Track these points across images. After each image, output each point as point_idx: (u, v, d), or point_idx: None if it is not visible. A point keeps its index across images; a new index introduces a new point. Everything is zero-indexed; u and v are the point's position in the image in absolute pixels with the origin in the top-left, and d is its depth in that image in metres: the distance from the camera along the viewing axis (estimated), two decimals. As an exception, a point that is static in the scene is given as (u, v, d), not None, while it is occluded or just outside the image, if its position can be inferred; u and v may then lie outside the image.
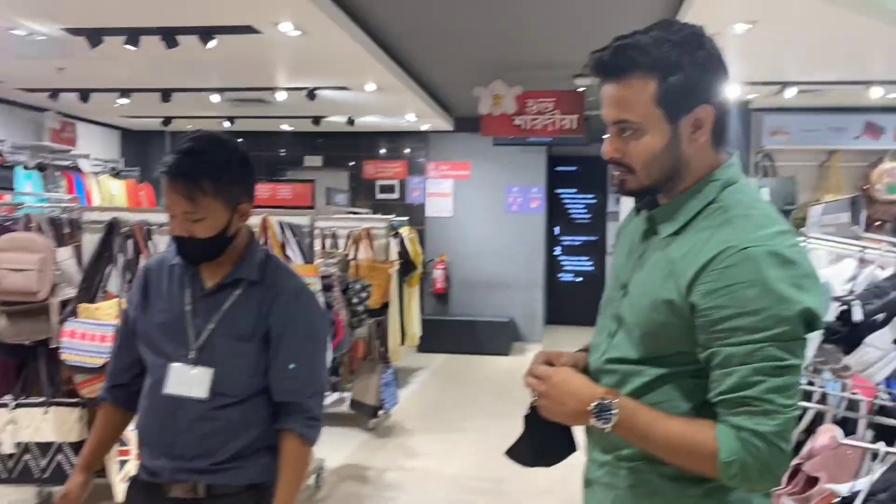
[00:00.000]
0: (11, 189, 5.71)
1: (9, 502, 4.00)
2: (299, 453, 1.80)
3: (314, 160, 10.60)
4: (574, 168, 11.27)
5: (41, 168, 7.59)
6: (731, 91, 6.83)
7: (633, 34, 1.29)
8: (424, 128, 9.85)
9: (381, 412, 5.64)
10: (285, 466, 1.77)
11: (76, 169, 8.34)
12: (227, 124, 9.55)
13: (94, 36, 4.91)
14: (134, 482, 1.89)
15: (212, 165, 1.73)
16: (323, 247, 5.64)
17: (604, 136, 1.36)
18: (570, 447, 1.39)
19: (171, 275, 1.84)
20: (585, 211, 11.44)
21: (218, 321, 1.78)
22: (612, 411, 1.25)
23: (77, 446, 3.77)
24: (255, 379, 1.78)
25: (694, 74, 1.26)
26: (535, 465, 1.43)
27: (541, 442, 1.38)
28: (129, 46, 4.97)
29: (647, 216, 1.39)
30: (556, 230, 11.42)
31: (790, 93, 6.61)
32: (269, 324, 1.78)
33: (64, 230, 4.15)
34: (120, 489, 3.69)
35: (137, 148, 10.94)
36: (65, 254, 3.92)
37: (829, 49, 5.45)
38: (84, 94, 7.22)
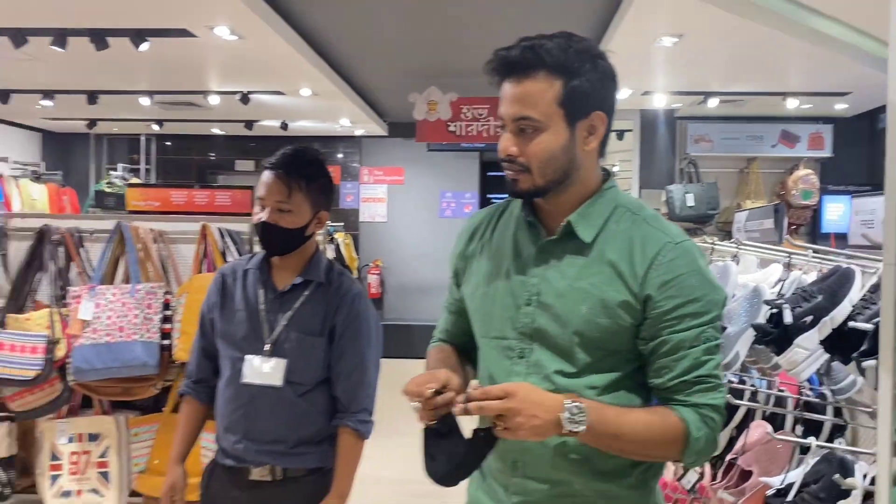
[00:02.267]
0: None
1: (-71, 523, 3.81)
2: (354, 446, 2.03)
3: (246, 164, 10.46)
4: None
5: (-45, 172, 7.26)
6: (658, 100, 7.10)
7: (538, 37, 1.34)
8: (358, 133, 9.86)
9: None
10: (342, 457, 2.01)
11: (-8, 172, 7.99)
12: (155, 127, 9.34)
13: (18, 36, 4.74)
14: (214, 467, 2.06)
15: (310, 170, 2.00)
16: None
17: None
18: (489, 450, 1.30)
19: (244, 279, 2.07)
20: (518, 216, 11.60)
21: (290, 318, 2.00)
22: (584, 413, 1.24)
23: (6, 462, 3.65)
24: (321, 370, 2.02)
25: (594, 82, 1.33)
26: (458, 481, 1.35)
27: (459, 456, 1.29)
28: (55, 48, 4.81)
29: (536, 223, 1.41)
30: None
31: (713, 103, 6.91)
32: (333, 322, 2.01)
33: (-11, 237, 3.99)
34: (52, 503, 3.58)
35: (60, 151, 10.58)
36: (-9, 262, 3.78)
37: (749, 62, 5.73)
38: (4, 95, 6.95)
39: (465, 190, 10.12)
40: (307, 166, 2.00)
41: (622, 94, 6.46)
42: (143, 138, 10.35)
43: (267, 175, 1.97)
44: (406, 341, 9.18)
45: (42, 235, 3.70)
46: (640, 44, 5.02)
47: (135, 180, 9.09)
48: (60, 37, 4.75)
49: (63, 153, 10.60)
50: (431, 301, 9.95)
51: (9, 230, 4.01)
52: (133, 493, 3.70)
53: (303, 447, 2.01)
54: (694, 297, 1.30)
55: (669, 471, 2.65)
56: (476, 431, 1.27)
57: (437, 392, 1.27)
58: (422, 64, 6.65)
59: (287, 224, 1.96)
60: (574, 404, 1.25)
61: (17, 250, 3.90)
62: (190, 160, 10.61)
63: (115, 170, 9.10)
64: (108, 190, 8.40)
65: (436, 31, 5.60)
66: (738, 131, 7.77)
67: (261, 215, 1.97)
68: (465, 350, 1.59)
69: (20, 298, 3.68)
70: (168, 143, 10.61)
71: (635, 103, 7.24)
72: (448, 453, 1.29)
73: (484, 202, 10.92)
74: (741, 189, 7.89)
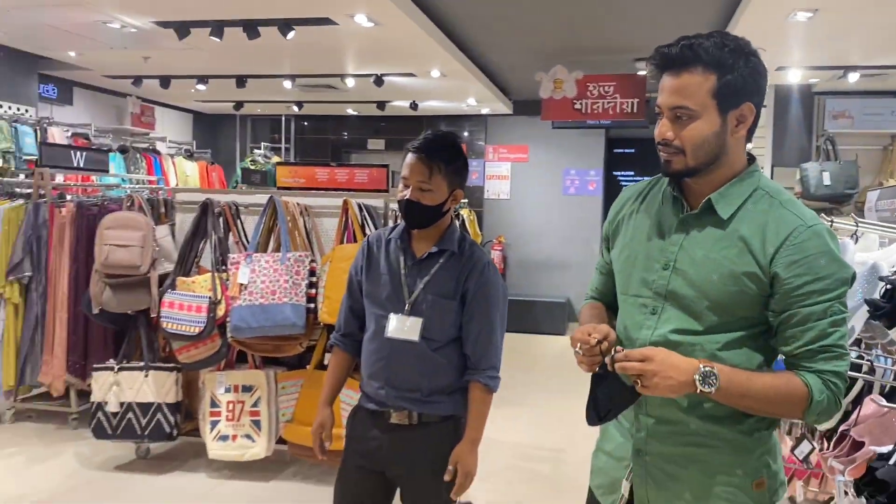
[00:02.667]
0: (106, 171, 6.10)
1: (111, 457, 4.39)
2: (484, 399, 2.23)
3: (377, 143, 10.91)
4: (632, 150, 11.34)
5: (123, 150, 8.02)
6: (793, 75, 6.84)
7: (695, 36, 1.50)
8: (484, 111, 10.04)
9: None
10: (473, 408, 2.22)
11: (154, 151, 8.78)
12: (295, 108, 9.90)
13: (182, 28, 5.25)
14: (358, 410, 2.33)
15: (449, 154, 2.20)
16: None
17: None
18: (633, 399, 1.54)
19: (387, 247, 2.31)
20: (643, 193, 11.45)
21: (426, 282, 2.22)
22: (715, 377, 1.42)
23: (173, 407, 4.14)
24: (453, 329, 2.22)
25: (745, 77, 1.49)
26: (605, 421, 1.60)
27: (610, 400, 1.54)
28: (213, 38, 5.29)
29: (682, 199, 1.58)
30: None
31: (853, 77, 6.59)
32: (465, 287, 2.21)
33: (160, 210, 4.51)
34: (212, 446, 4.04)
35: (209, 131, 11.40)
36: (162, 231, 4.28)
37: (892, 34, 5.46)
38: (165, 81, 7.63)
39: (589, 167, 10.11)
40: (447, 150, 2.20)
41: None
42: (283, 119, 11.01)
43: (410, 157, 2.18)
44: (528, 317, 9.30)
45: (205, 208, 4.15)
46: (773, 19, 4.90)
47: (276, 158, 9.70)
48: (218, 28, 5.22)
49: (212, 133, 11.43)
50: (553, 277, 10.06)
51: (176, 203, 4.53)
52: (279, 441, 4.13)
53: (436, 396, 2.22)
54: (822, 275, 1.44)
55: (785, 446, 2.73)
56: (618, 380, 1.50)
57: (598, 343, 1.50)
58: (548, 43, 6.74)
59: (427, 201, 2.18)
60: (707, 369, 1.42)
61: (183, 221, 4.41)
62: (325, 139, 11.18)
63: (258, 148, 9.77)
64: (252, 167, 9.04)
65: (562, 11, 5.68)
66: (882, 106, 7.35)
67: (404, 193, 2.19)
68: (611, 307, 1.80)
69: (187, 264, 4.16)
70: (305, 123, 11.22)
71: (769, 79, 7.02)
72: (606, 396, 1.54)
73: (609, 180, 10.87)
74: (884, 167, 7.48)
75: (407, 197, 2.18)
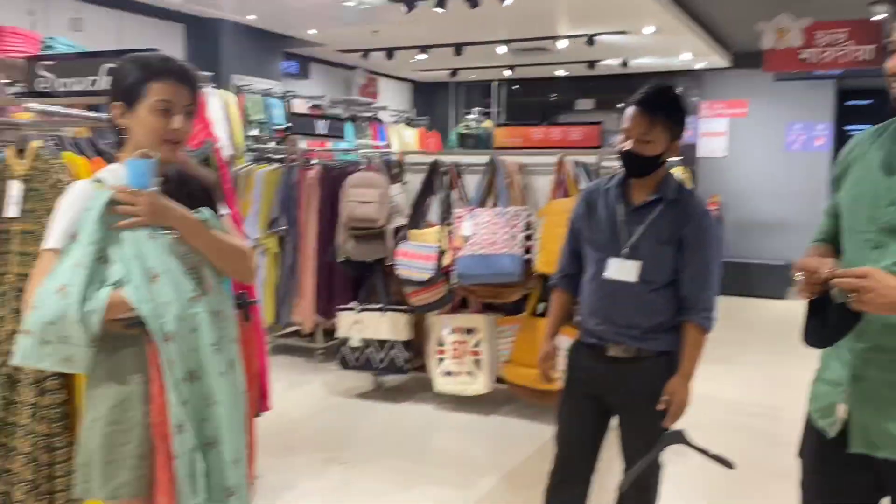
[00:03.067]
0: (343, 137, 6.81)
1: (352, 386, 5.02)
2: (698, 338, 2.36)
3: (585, 103, 10.96)
4: (869, 101, 10.38)
5: (353, 119, 8.81)
6: None
7: None
8: (699, 66, 9.72)
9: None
10: (688, 346, 2.35)
11: (377, 119, 9.52)
12: (507, 72, 10.21)
13: (410, 2, 5.70)
14: (577, 345, 2.53)
15: (670, 106, 2.33)
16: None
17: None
18: (853, 323, 1.60)
19: (606, 196, 2.46)
20: (880, 148, 10.49)
21: (645, 228, 2.35)
22: None
23: (406, 344, 4.65)
24: (669, 273, 2.36)
25: None
26: (826, 345, 1.70)
27: (831, 326, 1.62)
28: (437, 9, 5.69)
29: None
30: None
31: None
32: (682, 234, 2.34)
33: (392, 171, 5.01)
34: (438, 380, 4.51)
35: (425, 99, 12.07)
36: (396, 189, 4.78)
37: None
38: (390, 53, 8.25)
39: (816, 121, 9.46)
40: (668, 103, 2.31)
41: None
42: (494, 84, 11.39)
43: (632, 110, 2.29)
44: (745, 280, 8.97)
45: (434, 168, 4.57)
46: None
47: (487, 123, 10.13)
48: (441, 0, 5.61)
49: (428, 100, 12.09)
50: (773, 239, 9.57)
51: (405, 164, 5.01)
52: (498, 381, 4.49)
53: (652, 333, 2.35)
54: None
55: None
56: (841, 306, 1.58)
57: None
58: (771, -10, 6.44)
59: (647, 152, 2.30)
60: None
61: (411, 181, 4.88)
62: (534, 101, 11.42)
63: (470, 114, 10.23)
64: (465, 132, 9.52)
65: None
66: None
67: (625, 144, 2.31)
68: (838, 249, 1.83)
69: (417, 218, 4.63)
70: (515, 87, 11.52)
71: None
72: (825, 321, 1.63)
73: (840, 134, 10.08)
74: None
75: (627, 148, 2.32)
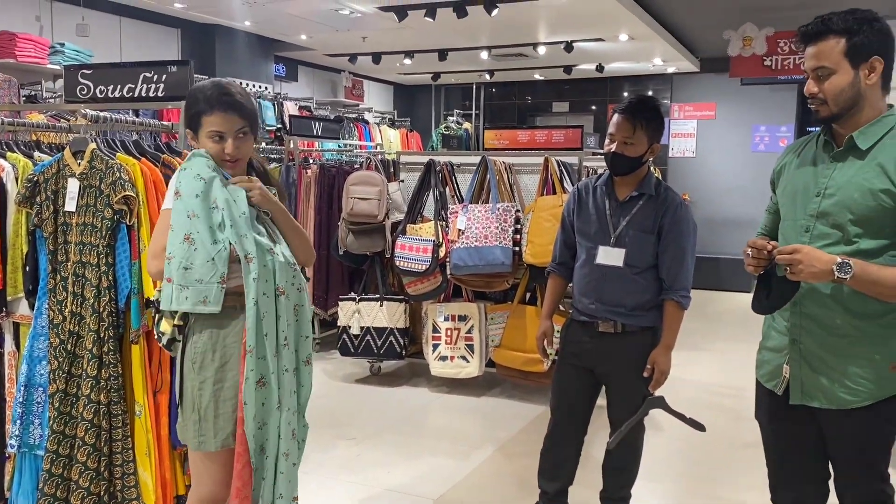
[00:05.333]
0: (337, 138, 7.12)
1: (350, 373, 5.35)
2: (676, 314, 2.73)
3: (562, 106, 11.36)
4: (828, 105, 10.88)
5: (339, 120, 9.11)
6: None
7: (828, 14, 1.95)
8: (670, 70, 10.17)
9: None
10: (668, 321, 2.72)
11: (363, 120, 9.84)
12: (486, 76, 10.58)
13: (401, 12, 6.04)
14: (571, 323, 2.88)
15: (650, 114, 2.69)
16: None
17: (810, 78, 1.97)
18: (793, 292, 1.99)
19: (595, 192, 2.83)
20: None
21: (629, 220, 2.72)
22: (850, 266, 1.82)
23: (403, 331, 5.00)
24: (651, 258, 2.73)
25: (870, 36, 1.91)
26: (772, 311, 2.08)
27: (774, 293, 2.01)
28: (427, 19, 6.04)
29: (832, 138, 1.99)
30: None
31: None
32: (661, 223, 2.71)
33: (389, 170, 5.36)
34: (433, 365, 4.86)
35: (407, 101, 12.40)
36: (393, 186, 5.12)
37: None
38: (377, 57, 8.56)
39: (780, 123, 9.96)
40: (648, 111, 2.68)
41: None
42: (474, 87, 11.76)
43: (617, 117, 2.68)
44: (714, 274, 9.43)
45: (430, 166, 4.93)
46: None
47: (467, 125, 10.49)
48: (432, 9, 5.96)
49: (410, 102, 12.42)
50: (740, 235, 9.99)
51: (401, 164, 5.36)
52: (489, 365, 4.86)
53: (637, 311, 2.72)
54: None
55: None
56: (782, 278, 1.97)
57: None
58: (738, 1, 6.85)
59: (630, 154, 2.66)
60: (843, 260, 1.83)
61: (408, 179, 5.23)
62: (512, 104, 11.80)
63: (451, 115, 10.59)
64: (448, 133, 9.87)
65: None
66: None
67: (611, 147, 2.68)
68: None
69: (414, 213, 4.97)
70: (493, 90, 11.90)
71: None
72: (769, 291, 2.02)
73: (802, 135, 10.52)
74: None
75: (613, 150, 2.69)
